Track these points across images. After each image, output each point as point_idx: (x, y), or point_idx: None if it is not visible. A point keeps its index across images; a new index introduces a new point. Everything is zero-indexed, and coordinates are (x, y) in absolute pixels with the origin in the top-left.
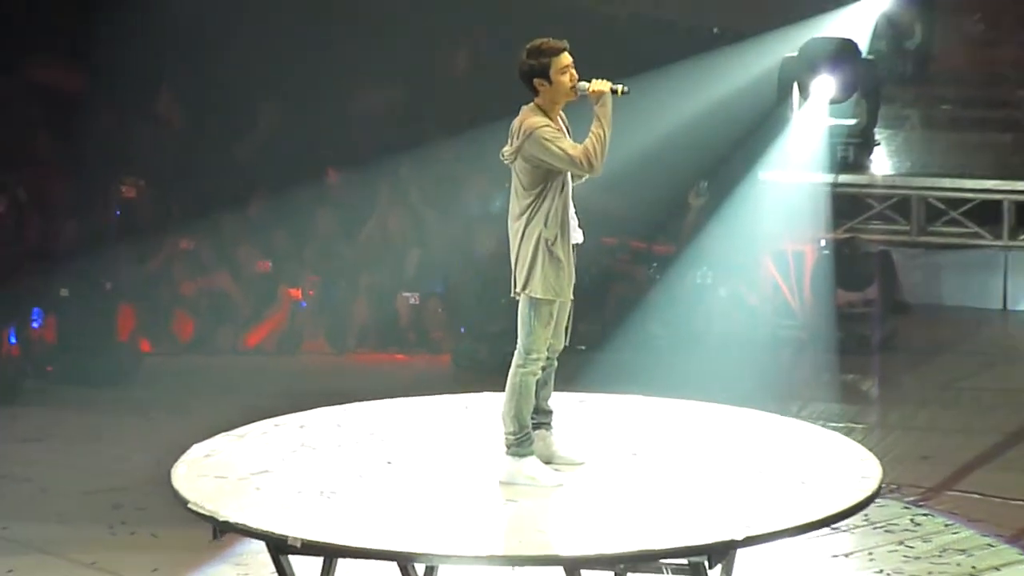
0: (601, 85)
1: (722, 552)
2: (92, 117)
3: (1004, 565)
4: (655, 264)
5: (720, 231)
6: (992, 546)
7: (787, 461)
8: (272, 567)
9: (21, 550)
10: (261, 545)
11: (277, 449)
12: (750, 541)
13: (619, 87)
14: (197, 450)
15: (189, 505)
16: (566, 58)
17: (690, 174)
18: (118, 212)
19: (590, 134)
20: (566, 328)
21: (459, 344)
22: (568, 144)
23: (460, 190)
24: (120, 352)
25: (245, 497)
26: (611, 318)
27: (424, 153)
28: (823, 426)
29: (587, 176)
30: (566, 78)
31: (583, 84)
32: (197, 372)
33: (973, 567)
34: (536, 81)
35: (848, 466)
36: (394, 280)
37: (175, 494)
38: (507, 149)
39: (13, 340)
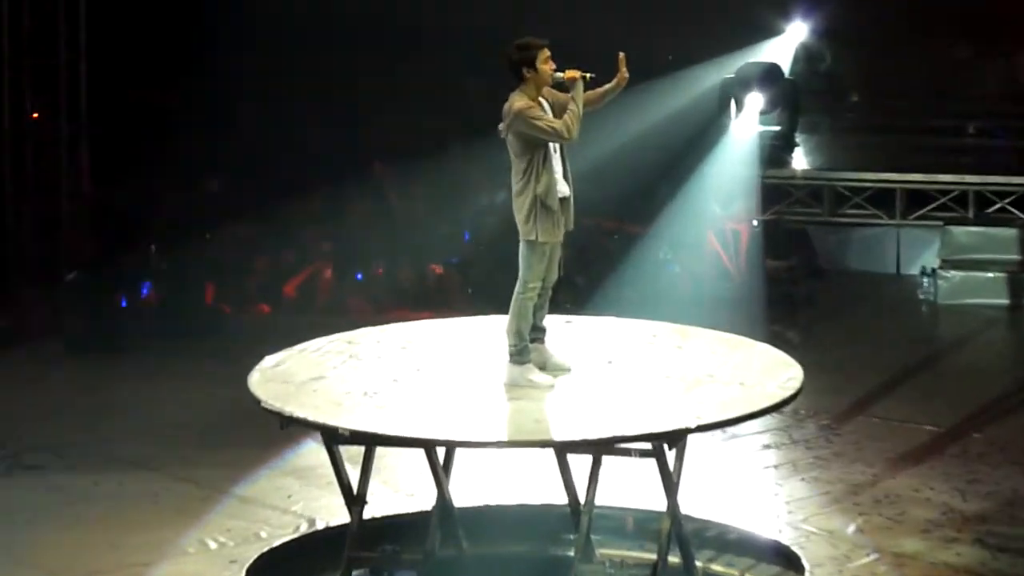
0: (573, 72)
1: (677, 438)
2: (183, 128)
3: (899, 474)
4: (615, 236)
5: (675, 215)
6: (890, 459)
7: (730, 367)
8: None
9: (125, 466)
10: (314, 460)
11: (330, 360)
12: (700, 429)
13: (587, 74)
14: (268, 361)
15: (262, 404)
16: (547, 51)
17: (653, 169)
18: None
19: (568, 110)
20: (559, 263)
21: (471, 306)
22: (550, 119)
23: (472, 187)
24: (206, 312)
25: (305, 397)
26: (590, 283)
27: (444, 159)
28: None
29: (567, 141)
30: (548, 67)
31: (559, 73)
32: (266, 327)
33: (875, 475)
34: (524, 70)
35: (777, 371)
36: (424, 255)
37: (250, 395)
38: (502, 126)
39: (124, 304)
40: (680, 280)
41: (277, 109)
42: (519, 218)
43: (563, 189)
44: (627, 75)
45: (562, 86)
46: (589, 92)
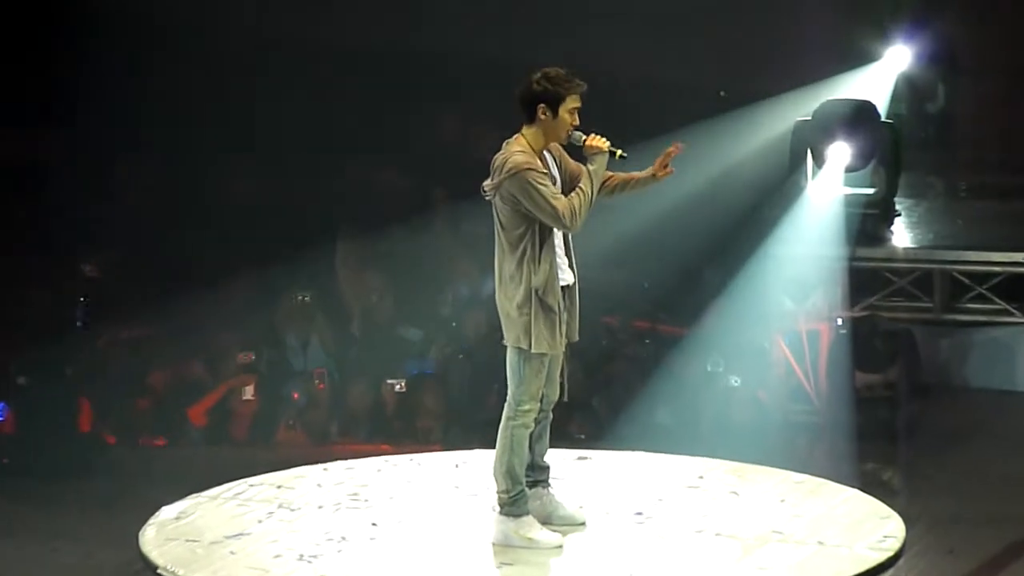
0: (599, 142)
1: None
2: (53, 189)
3: None
4: (646, 340)
5: (730, 311)
6: None
7: (804, 520)
8: None
9: None
10: None
11: (253, 511)
12: None
13: (618, 151)
14: (167, 512)
15: (158, 571)
16: (578, 100)
17: (697, 249)
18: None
19: (577, 190)
20: (560, 378)
21: (448, 434)
22: (552, 193)
23: (451, 273)
24: (82, 443)
25: (219, 562)
26: (612, 405)
27: (411, 230)
28: None
29: (565, 230)
30: (570, 119)
31: (579, 134)
32: (164, 465)
33: None
34: (540, 107)
35: (869, 525)
36: (382, 366)
37: (143, 559)
38: (488, 184)
39: None
40: (737, 400)
41: (179, 164)
42: (506, 317)
43: (565, 276)
44: (672, 172)
45: (578, 150)
46: (612, 173)
